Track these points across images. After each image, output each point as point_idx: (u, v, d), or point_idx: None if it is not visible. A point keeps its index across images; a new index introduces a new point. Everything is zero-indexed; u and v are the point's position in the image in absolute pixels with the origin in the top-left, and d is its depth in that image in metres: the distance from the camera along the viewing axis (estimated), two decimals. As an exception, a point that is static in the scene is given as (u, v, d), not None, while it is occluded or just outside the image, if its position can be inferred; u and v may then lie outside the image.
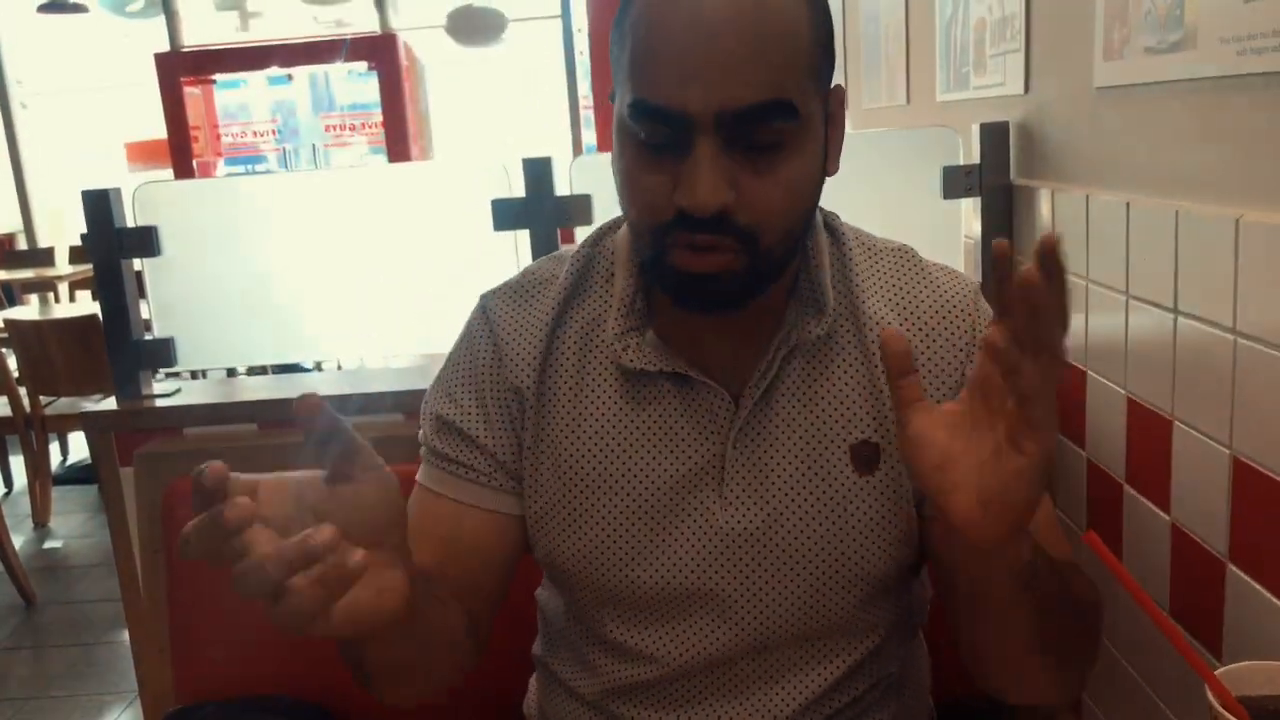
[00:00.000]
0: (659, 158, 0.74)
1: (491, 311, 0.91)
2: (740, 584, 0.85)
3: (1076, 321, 1.35)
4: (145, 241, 1.58)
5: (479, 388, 0.89)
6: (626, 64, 0.75)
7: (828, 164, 0.81)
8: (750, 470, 0.85)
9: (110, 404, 1.60)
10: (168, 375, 1.74)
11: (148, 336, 1.64)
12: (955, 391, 0.84)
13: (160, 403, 1.59)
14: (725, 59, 0.70)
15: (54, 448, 4.62)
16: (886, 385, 0.80)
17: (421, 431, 0.93)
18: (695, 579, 0.86)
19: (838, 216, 0.92)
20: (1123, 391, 1.22)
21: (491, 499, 0.90)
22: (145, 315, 1.66)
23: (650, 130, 0.74)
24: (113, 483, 1.56)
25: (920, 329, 0.86)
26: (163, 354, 1.61)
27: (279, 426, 1.57)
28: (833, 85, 0.80)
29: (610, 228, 0.93)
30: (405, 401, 1.55)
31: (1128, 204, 1.17)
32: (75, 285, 6.11)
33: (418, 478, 0.92)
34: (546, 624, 1.00)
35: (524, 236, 1.59)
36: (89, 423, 1.56)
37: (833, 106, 0.80)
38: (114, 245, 1.56)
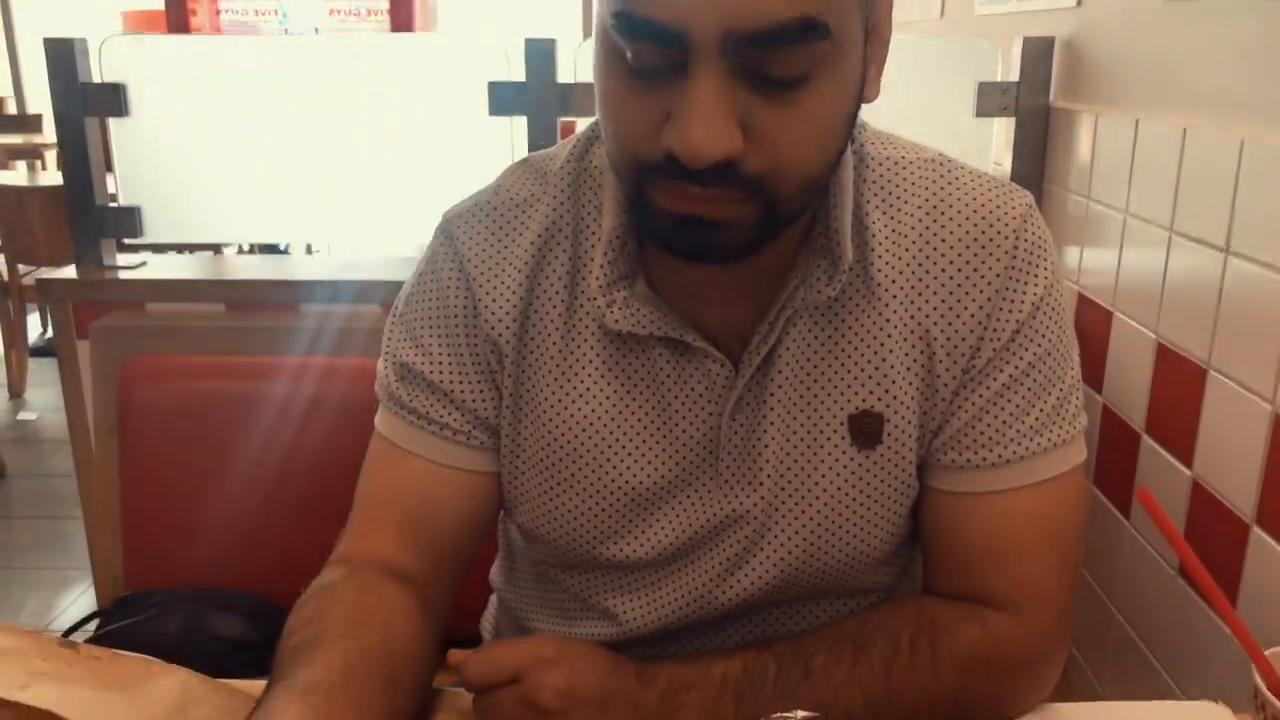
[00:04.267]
0: (649, 82, 0.59)
1: (460, 243, 0.77)
2: (725, 563, 0.76)
3: (1108, 257, 1.26)
4: (112, 99, 1.46)
5: (451, 335, 0.77)
6: None
7: (865, 90, 0.65)
8: (745, 447, 0.74)
9: (70, 272, 1.50)
10: (134, 248, 1.64)
11: (113, 205, 1.53)
12: (978, 335, 0.71)
13: (124, 275, 1.49)
14: None
15: (33, 320, 4.52)
16: (895, 349, 0.71)
17: (382, 374, 0.80)
18: (678, 557, 0.76)
19: (864, 128, 0.76)
20: (1153, 335, 1.13)
21: (469, 458, 0.77)
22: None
23: (637, 50, 0.58)
24: (70, 356, 1.48)
25: (943, 263, 0.71)
26: (127, 223, 1.51)
27: (249, 310, 1.48)
28: None
29: (599, 134, 0.72)
30: (394, 293, 1.46)
31: (1184, 130, 1.06)
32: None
33: (379, 426, 0.80)
34: (508, 555, 0.92)
35: (520, 124, 1.48)
36: (46, 290, 1.47)
37: (877, 15, 0.64)
38: (78, 100, 1.44)
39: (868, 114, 0.75)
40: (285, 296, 1.47)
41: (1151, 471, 1.14)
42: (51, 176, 4.89)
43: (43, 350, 4.33)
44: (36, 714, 0.64)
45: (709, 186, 0.59)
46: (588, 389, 0.75)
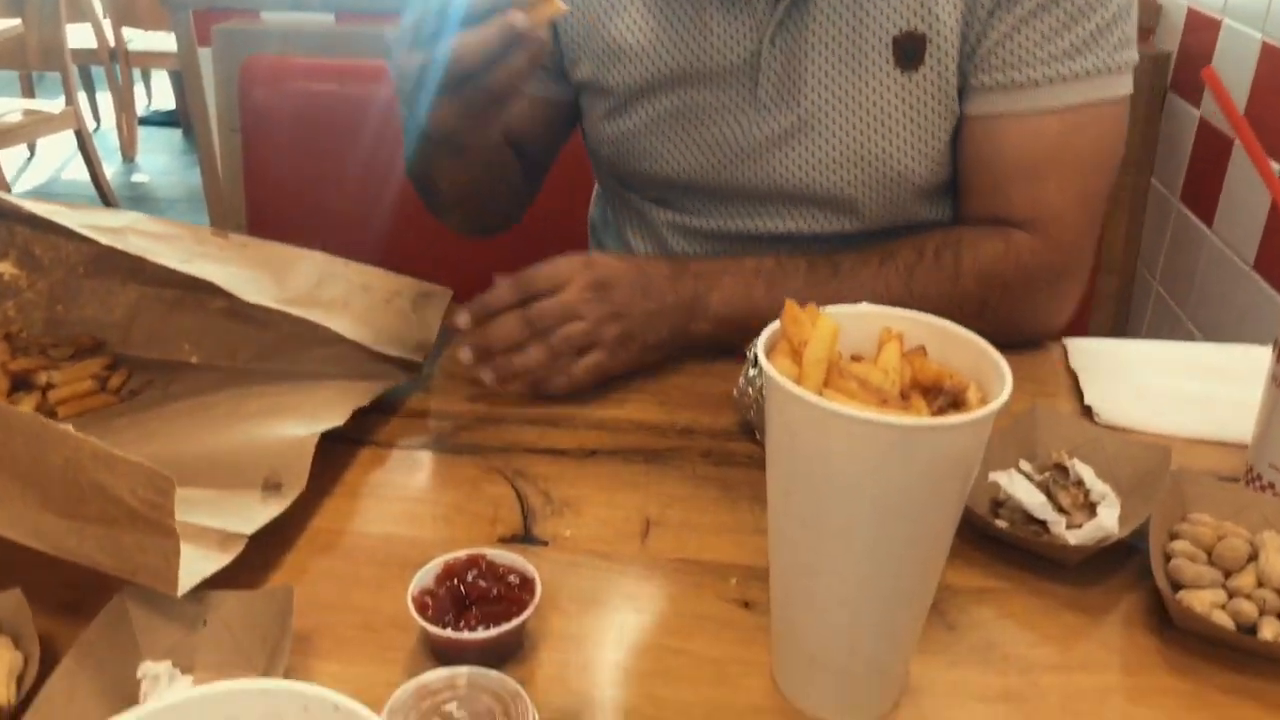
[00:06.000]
0: None
1: None
2: (768, 182, 0.81)
3: (1223, -35, 1.22)
4: None
5: None
6: None
7: None
8: (785, 72, 0.77)
9: (188, -19, 1.56)
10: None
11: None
12: None
13: (238, -17, 1.55)
14: None
15: (138, 90, 4.65)
16: None
17: None
18: (720, 171, 0.82)
19: None
20: (1259, 35, 1.11)
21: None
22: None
23: None
24: (191, 61, 1.56)
25: None
26: (240, -68, 1.55)
27: (355, 19, 1.53)
28: None
29: None
30: None
31: None
32: (156, -71, 5.93)
33: None
34: (598, 193, 1.01)
35: None
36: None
37: None
38: None
39: None
40: (390, 6, 1.51)
41: (1238, 176, 1.14)
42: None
43: (147, 120, 4.48)
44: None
45: None
46: (633, 20, 0.80)
